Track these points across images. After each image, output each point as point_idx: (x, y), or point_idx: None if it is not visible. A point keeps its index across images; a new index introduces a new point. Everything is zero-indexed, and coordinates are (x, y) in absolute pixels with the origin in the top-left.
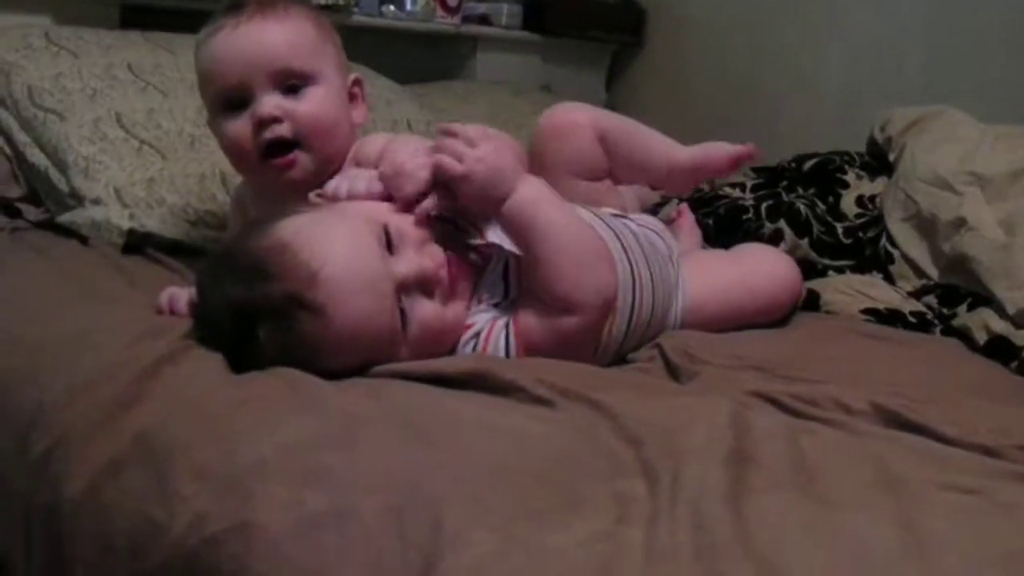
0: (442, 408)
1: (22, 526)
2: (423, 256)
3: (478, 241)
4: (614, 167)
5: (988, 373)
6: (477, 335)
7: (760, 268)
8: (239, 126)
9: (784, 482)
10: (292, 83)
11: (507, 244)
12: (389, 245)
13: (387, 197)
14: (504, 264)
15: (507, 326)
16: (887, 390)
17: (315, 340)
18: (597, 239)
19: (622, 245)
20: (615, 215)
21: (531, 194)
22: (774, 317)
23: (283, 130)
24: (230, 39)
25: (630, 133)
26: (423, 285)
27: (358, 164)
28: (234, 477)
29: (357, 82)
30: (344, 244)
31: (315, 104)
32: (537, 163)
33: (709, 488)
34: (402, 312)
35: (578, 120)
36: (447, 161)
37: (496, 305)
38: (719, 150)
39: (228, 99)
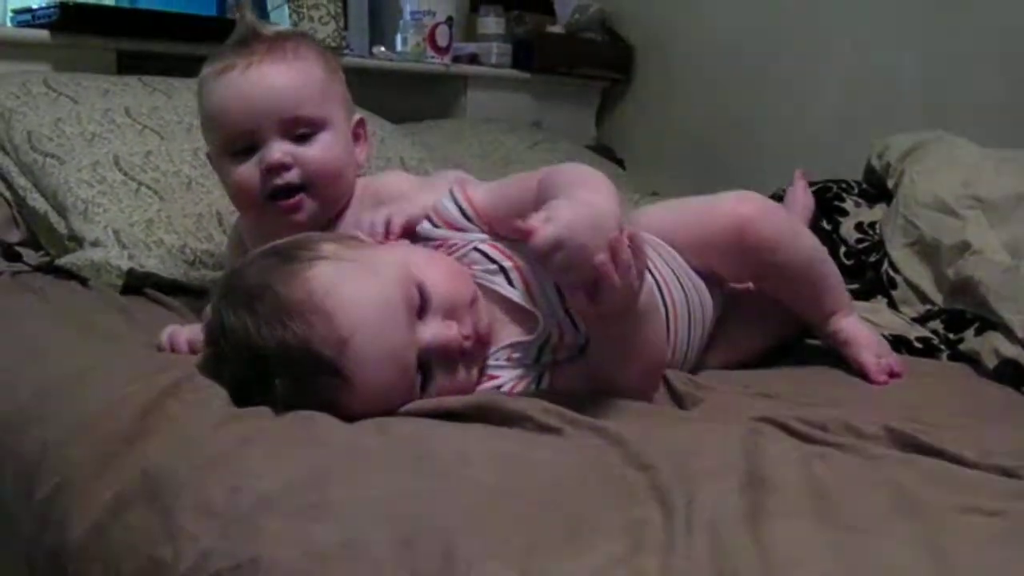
0: (449, 439)
1: (27, 570)
2: (450, 325)
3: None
4: (763, 290)
5: (1000, 396)
6: (498, 389)
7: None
8: (246, 170)
9: (802, 507)
10: (302, 131)
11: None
12: (421, 306)
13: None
14: (547, 335)
15: (539, 380)
16: (899, 414)
17: (331, 399)
18: (664, 335)
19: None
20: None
21: None
22: None
23: (292, 176)
24: (239, 83)
25: (808, 269)
26: (445, 356)
27: (379, 203)
28: (240, 513)
29: (360, 123)
30: (374, 311)
31: (323, 150)
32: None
33: (726, 513)
34: (422, 379)
35: (745, 228)
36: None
37: (525, 365)
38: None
39: (236, 143)
